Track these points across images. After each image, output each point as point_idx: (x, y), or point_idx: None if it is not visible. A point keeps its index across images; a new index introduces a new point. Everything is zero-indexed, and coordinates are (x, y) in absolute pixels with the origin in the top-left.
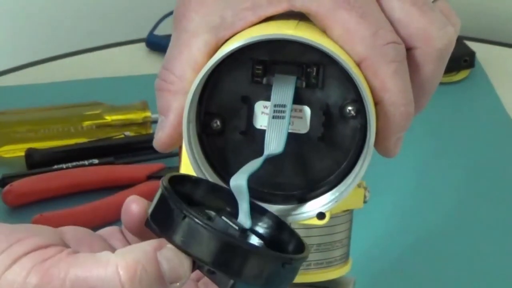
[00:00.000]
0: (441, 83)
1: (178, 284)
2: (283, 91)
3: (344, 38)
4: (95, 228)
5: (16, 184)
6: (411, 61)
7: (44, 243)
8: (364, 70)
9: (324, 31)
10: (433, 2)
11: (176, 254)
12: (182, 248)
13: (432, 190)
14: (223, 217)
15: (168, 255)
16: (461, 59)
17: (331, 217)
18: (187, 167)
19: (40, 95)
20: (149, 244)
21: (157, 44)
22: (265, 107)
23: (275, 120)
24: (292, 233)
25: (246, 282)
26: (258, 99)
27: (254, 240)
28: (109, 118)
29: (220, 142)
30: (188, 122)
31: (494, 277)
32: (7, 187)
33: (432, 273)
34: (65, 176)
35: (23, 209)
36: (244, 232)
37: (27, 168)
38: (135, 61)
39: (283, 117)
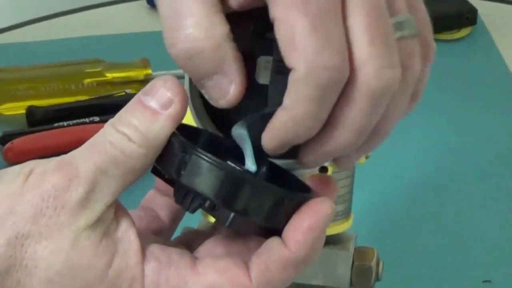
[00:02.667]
0: (443, 41)
1: None
2: (267, 51)
3: (285, 42)
4: None
5: (17, 142)
6: (344, 96)
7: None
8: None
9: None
10: (404, 33)
11: None
12: (184, 183)
13: (433, 147)
14: (228, 162)
15: None
16: (463, 16)
17: (333, 172)
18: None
19: (41, 52)
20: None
21: None
22: (268, 61)
23: (277, 75)
24: (297, 180)
25: (246, 215)
26: (260, 54)
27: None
28: (110, 75)
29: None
30: (190, 77)
31: (493, 231)
32: (7, 145)
33: (432, 228)
34: (66, 134)
35: None
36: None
37: (28, 125)
38: (136, 18)
39: (285, 72)
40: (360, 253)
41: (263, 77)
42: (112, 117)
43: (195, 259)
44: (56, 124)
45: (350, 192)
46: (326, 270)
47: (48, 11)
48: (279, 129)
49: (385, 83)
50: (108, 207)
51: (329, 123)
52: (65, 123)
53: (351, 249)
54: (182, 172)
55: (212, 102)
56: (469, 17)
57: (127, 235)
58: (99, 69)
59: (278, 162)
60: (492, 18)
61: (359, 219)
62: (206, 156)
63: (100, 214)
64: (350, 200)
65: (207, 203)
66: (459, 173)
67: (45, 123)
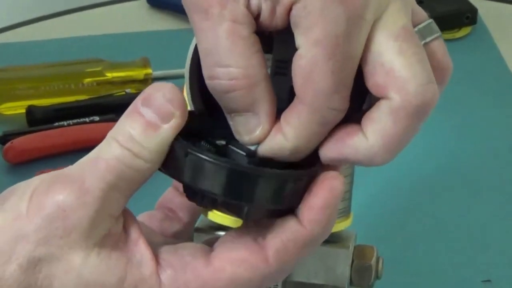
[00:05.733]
0: (443, 40)
1: None
2: (285, 46)
3: (302, 73)
4: None
5: (17, 141)
6: (382, 112)
7: None
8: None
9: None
10: (428, 42)
11: None
12: (192, 185)
13: (433, 146)
14: (230, 146)
15: None
16: (463, 16)
17: None
18: None
19: (41, 52)
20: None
21: (158, 1)
22: (267, 60)
23: (277, 76)
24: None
25: (260, 205)
26: None
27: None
28: (110, 75)
29: None
30: (192, 71)
31: (493, 230)
32: (7, 144)
33: (431, 227)
34: (66, 133)
35: (24, 166)
36: (253, 157)
37: (28, 125)
38: (136, 18)
39: (285, 74)
40: (360, 251)
41: None
42: (112, 116)
43: (208, 252)
44: (56, 124)
45: (350, 190)
46: (325, 268)
47: (48, 10)
48: (274, 151)
49: (427, 98)
50: (117, 220)
51: (364, 138)
52: (65, 123)
53: (351, 248)
54: (188, 175)
55: (237, 135)
56: (469, 16)
57: (137, 245)
58: (99, 69)
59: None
60: (492, 18)
61: (358, 218)
62: (208, 156)
63: (110, 228)
64: (350, 199)
65: (218, 201)
66: (459, 172)
67: (45, 123)
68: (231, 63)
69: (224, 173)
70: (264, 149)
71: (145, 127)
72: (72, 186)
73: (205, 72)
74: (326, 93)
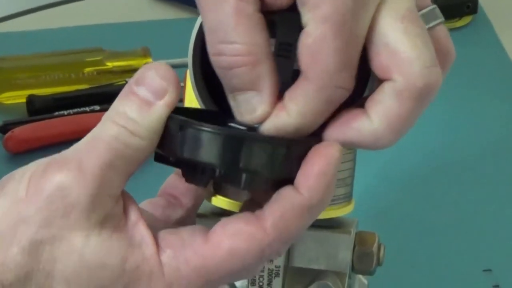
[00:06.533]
0: None
1: None
2: (288, 29)
3: (307, 51)
4: None
5: (17, 131)
6: (386, 94)
7: None
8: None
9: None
10: (432, 26)
11: None
12: (189, 158)
13: (433, 135)
14: (229, 124)
15: None
16: (463, 5)
17: None
18: (190, 105)
19: (41, 41)
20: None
21: None
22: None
23: (279, 59)
24: None
25: (258, 173)
26: None
27: None
28: (110, 64)
29: None
30: (194, 57)
31: (494, 220)
32: (8, 134)
33: (432, 217)
34: (66, 123)
35: (24, 155)
36: (253, 131)
37: (28, 114)
38: (137, 7)
39: (287, 56)
40: (362, 238)
41: None
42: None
43: (207, 230)
44: (56, 113)
45: (352, 176)
46: (327, 254)
47: (48, 0)
48: (277, 129)
49: (431, 80)
50: (117, 201)
51: (368, 120)
52: (65, 112)
53: (353, 233)
54: (185, 149)
55: (238, 116)
56: (470, 6)
57: (137, 227)
58: (99, 58)
59: None
60: (493, 7)
61: (358, 206)
62: (203, 126)
63: (110, 209)
64: (351, 184)
65: (217, 172)
66: (460, 161)
67: (46, 112)
68: (236, 39)
69: (220, 140)
70: (267, 127)
71: (140, 105)
72: (69, 166)
73: (211, 49)
74: (334, 71)
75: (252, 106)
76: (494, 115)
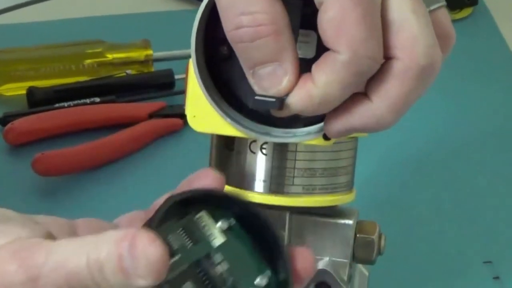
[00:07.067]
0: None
1: None
2: (289, 17)
3: (332, 25)
4: (96, 167)
5: (17, 123)
6: (389, 72)
7: (26, 235)
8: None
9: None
10: (433, 9)
11: None
12: None
13: (433, 125)
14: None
15: None
16: None
17: (337, 142)
18: (192, 100)
19: (42, 33)
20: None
21: None
22: None
23: None
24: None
25: None
26: None
27: None
28: (110, 56)
29: (228, 68)
30: (196, 49)
31: (494, 211)
32: (8, 126)
33: (432, 208)
34: (66, 115)
35: (24, 147)
36: None
37: (28, 106)
38: None
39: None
40: (363, 227)
41: None
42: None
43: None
44: (56, 105)
45: (353, 164)
46: (328, 243)
47: None
48: (304, 99)
49: (433, 60)
50: None
51: (369, 102)
52: (65, 104)
53: (354, 222)
54: None
55: (261, 90)
56: None
57: None
58: (99, 50)
59: (279, 131)
60: None
61: (359, 195)
62: None
63: None
64: (352, 173)
65: None
66: (460, 151)
67: (46, 104)
68: (257, 9)
69: None
70: (294, 99)
71: (123, 276)
72: (26, 272)
73: (228, 25)
74: (362, 39)
75: (277, 78)
76: (495, 106)
